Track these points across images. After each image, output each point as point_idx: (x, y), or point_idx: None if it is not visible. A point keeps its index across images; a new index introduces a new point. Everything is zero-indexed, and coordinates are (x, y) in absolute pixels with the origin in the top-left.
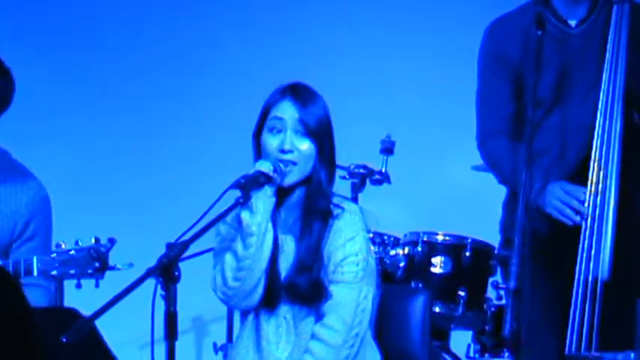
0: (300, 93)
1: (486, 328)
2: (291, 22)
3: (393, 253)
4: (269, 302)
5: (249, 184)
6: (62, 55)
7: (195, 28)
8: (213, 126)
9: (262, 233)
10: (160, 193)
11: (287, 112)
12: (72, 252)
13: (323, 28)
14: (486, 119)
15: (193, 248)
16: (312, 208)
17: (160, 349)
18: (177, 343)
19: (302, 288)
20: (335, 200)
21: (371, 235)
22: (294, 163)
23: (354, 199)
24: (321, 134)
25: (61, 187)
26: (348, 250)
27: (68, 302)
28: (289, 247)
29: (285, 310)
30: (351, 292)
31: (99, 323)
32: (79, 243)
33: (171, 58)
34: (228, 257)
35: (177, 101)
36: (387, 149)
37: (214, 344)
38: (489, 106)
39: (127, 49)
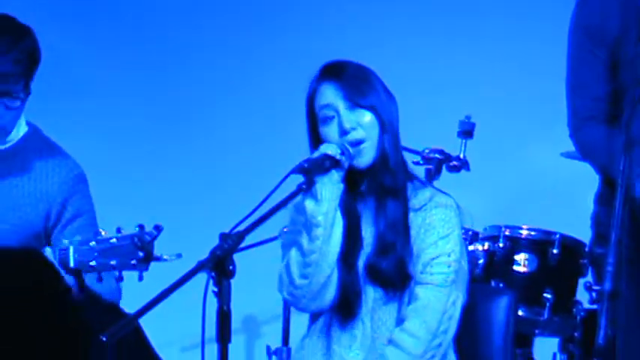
0: (332, 70)
1: (575, 334)
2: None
3: (471, 248)
4: (346, 309)
5: (313, 169)
6: (109, 37)
7: (239, 19)
8: (272, 108)
9: (330, 224)
10: (214, 179)
11: (329, 95)
12: (113, 240)
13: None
14: (578, 102)
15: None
16: (381, 187)
17: (211, 352)
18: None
19: (384, 270)
20: (428, 191)
21: None
22: (362, 141)
23: None
24: (374, 101)
25: (104, 173)
26: (440, 249)
27: None
28: (369, 239)
29: (363, 312)
30: (439, 296)
31: (143, 322)
32: (122, 230)
33: (218, 45)
34: (294, 252)
35: (230, 83)
36: (466, 132)
37: (268, 347)
38: (581, 86)
39: (174, 35)
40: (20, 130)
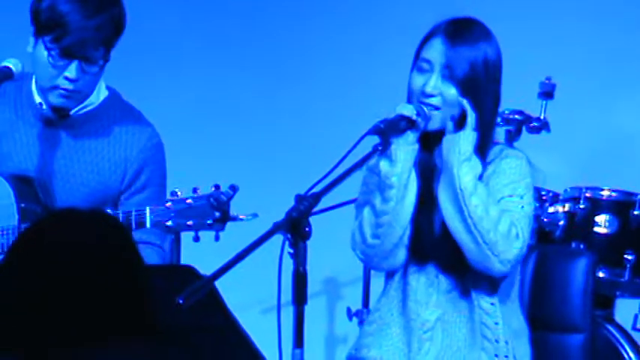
0: (454, 31)
1: None
2: None
3: (551, 210)
4: (419, 259)
5: (388, 130)
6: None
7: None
8: (352, 67)
9: (403, 185)
10: (290, 139)
11: (435, 53)
12: (189, 200)
13: None
14: None
15: (326, 201)
16: None
17: (288, 314)
18: (308, 308)
19: (452, 254)
20: (499, 147)
21: None
22: (437, 108)
23: None
24: (473, 82)
25: (179, 131)
26: (512, 190)
27: (185, 259)
28: None
29: (436, 270)
30: (511, 214)
31: (219, 284)
32: (198, 191)
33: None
34: (367, 212)
35: (312, 42)
36: (547, 93)
37: (348, 309)
38: None
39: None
40: (100, 94)
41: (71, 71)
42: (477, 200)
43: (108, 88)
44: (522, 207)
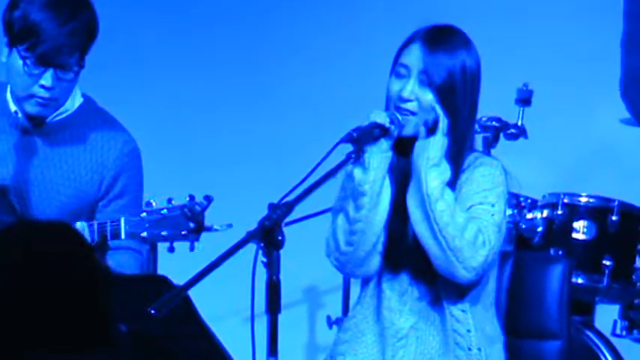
0: (433, 37)
1: (635, 301)
2: None
3: (530, 216)
4: (392, 268)
5: (362, 138)
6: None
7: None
8: (325, 72)
9: (376, 193)
10: (263, 148)
11: (412, 58)
12: (164, 211)
13: None
14: (635, 58)
15: (306, 210)
16: None
17: (263, 323)
18: (288, 316)
19: (424, 263)
20: (474, 155)
21: None
22: (413, 113)
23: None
24: (450, 89)
25: (154, 140)
26: (483, 198)
27: (161, 269)
28: None
29: (408, 278)
30: (480, 221)
31: (193, 294)
32: (172, 201)
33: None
34: (340, 219)
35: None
36: (524, 99)
37: (328, 317)
38: (636, 44)
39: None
40: (75, 101)
41: (47, 79)
42: (443, 206)
43: (83, 94)
44: (492, 215)
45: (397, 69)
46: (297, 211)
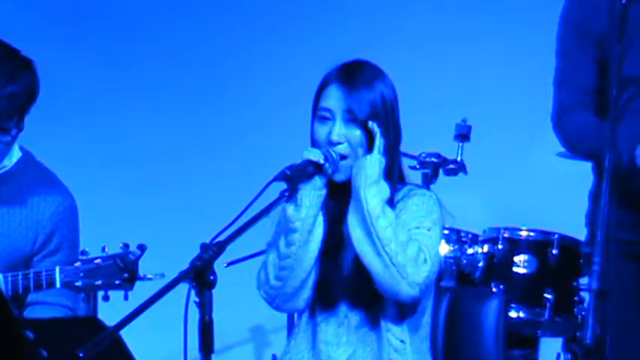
0: (348, 75)
1: (578, 334)
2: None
3: (470, 251)
4: (328, 301)
5: (296, 176)
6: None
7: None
8: (248, 119)
9: (307, 230)
10: (196, 195)
11: (333, 100)
12: (98, 260)
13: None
14: (565, 96)
15: (250, 249)
16: None
17: None
18: (235, 356)
19: (363, 289)
20: (408, 187)
21: (446, 232)
22: (345, 157)
23: None
24: (374, 117)
25: (89, 190)
26: (418, 223)
27: (101, 315)
28: None
29: (346, 308)
30: (421, 241)
31: (127, 337)
32: (106, 250)
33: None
34: (272, 253)
35: (212, 100)
36: (463, 135)
37: (273, 356)
38: (569, 80)
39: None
40: (13, 156)
41: None
42: (385, 222)
43: (21, 148)
44: (430, 237)
45: (320, 113)
46: (241, 251)
